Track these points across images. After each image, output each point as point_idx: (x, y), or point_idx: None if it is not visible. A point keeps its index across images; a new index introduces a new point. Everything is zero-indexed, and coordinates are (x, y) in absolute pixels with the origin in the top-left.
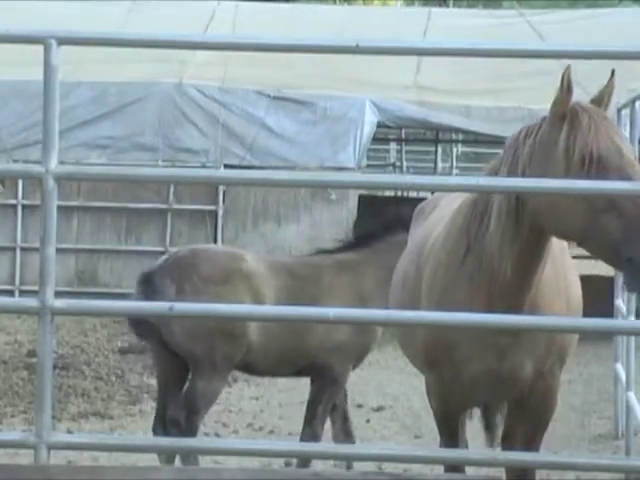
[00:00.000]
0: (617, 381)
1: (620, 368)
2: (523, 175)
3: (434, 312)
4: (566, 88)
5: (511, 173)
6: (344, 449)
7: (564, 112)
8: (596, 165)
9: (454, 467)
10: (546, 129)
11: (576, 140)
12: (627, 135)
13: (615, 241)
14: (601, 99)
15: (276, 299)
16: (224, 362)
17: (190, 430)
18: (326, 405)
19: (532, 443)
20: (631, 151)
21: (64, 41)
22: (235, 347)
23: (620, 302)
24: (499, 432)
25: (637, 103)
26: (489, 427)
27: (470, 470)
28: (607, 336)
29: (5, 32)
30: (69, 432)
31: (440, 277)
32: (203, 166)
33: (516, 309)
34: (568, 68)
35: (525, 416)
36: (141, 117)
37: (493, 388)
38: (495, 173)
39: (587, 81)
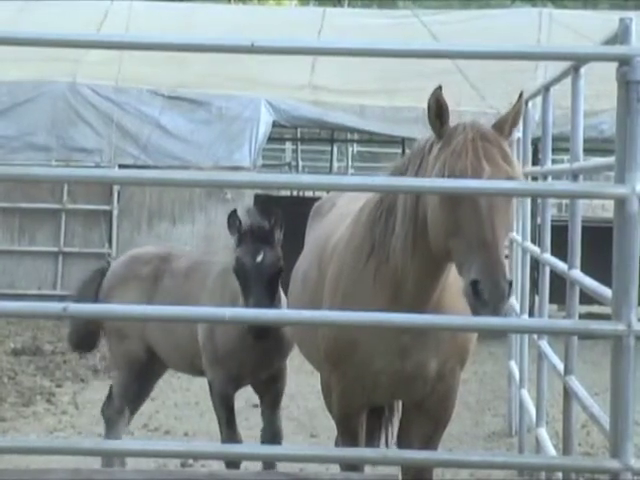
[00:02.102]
0: (511, 379)
1: (514, 366)
2: None
3: (337, 312)
4: (434, 114)
5: None
6: (238, 448)
7: (440, 134)
8: None
9: (352, 466)
10: (435, 148)
11: (439, 161)
12: (520, 135)
13: (462, 265)
14: (505, 121)
15: (160, 301)
16: (121, 359)
17: (107, 422)
18: (220, 410)
19: (430, 443)
20: (504, 173)
21: None
22: (129, 345)
23: (514, 300)
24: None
25: (530, 103)
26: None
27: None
28: (501, 335)
29: None
30: None
31: (344, 277)
32: (97, 166)
33: (420, 310)
34: (437, 91)
35: (424, 416)
36: (34, 116)
37: (396, 387)
38: (400, 174)
39: (481, 83)
